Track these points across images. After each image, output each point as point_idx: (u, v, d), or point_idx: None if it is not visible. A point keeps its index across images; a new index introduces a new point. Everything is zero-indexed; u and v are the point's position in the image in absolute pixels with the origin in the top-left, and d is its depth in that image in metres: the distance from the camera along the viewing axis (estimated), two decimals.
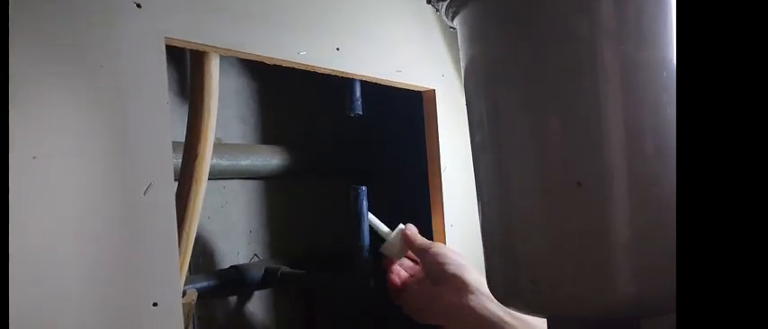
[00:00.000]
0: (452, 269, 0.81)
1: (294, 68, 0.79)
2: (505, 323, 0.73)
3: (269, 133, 1.34)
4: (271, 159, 1.18)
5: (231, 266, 1.18)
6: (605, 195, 0.49)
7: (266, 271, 1.19)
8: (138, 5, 0.57)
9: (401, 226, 0.98)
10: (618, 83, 0.50)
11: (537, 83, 0.52)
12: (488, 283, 0.59)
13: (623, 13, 0.50)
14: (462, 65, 0.60)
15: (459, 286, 0.78)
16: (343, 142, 1.47)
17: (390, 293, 0.92)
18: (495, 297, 0.58)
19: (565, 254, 0.50)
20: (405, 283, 0.91)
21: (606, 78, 0.50)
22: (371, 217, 0.98)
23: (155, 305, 0.56)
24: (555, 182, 0.50)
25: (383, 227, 1.00)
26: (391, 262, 0.94)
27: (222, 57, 0.77)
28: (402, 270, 0.94)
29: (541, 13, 0.51)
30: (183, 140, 0.76)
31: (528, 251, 0.53)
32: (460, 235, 1.18)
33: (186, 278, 0.76)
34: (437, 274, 0.83)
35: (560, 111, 0.51)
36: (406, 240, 0.93)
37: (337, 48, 0.82)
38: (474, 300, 0.76)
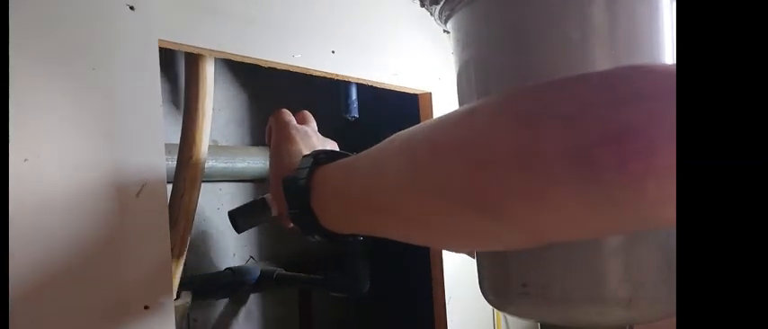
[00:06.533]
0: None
1: (290, 71, 0.79)
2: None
3: (265, 136, 1.34)
4: (266, 162, 1.18)
5: (227, 268, 1.18)
6: None
7: (262, 273, 1.19)
8: (132, 8, 0.57)
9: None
10: None
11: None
12: (480, 287, 0.59)
13: (615, 17, 0.50)
14: (455, 68, 0.60)
15: None
16: (339, 145, 1.47)
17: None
18: (488, 302, 0.57)
19: (556, 258, 0.50)
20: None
21: None
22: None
23: (146, 308, 0.56)
24: None
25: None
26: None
27: (217, 60, 0.77)
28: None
29: (533, 17, 0.51)
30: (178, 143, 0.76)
31: (519, 254, 0.52)
32: None
33: (181, 280, 0.75)
34: None
35: None
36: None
37: (332, 51, 0.82)
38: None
